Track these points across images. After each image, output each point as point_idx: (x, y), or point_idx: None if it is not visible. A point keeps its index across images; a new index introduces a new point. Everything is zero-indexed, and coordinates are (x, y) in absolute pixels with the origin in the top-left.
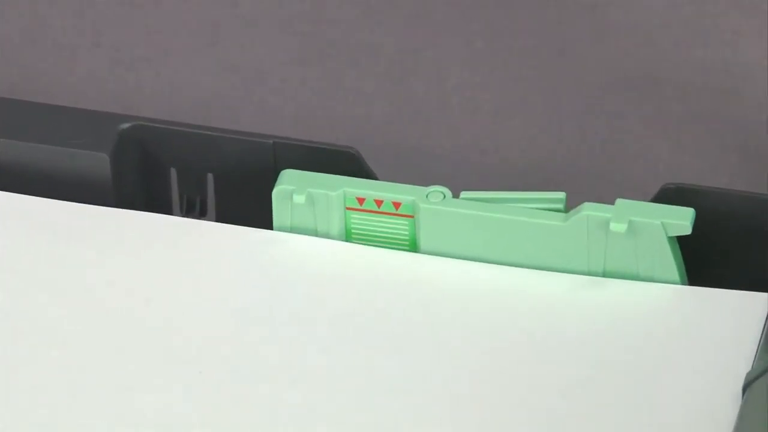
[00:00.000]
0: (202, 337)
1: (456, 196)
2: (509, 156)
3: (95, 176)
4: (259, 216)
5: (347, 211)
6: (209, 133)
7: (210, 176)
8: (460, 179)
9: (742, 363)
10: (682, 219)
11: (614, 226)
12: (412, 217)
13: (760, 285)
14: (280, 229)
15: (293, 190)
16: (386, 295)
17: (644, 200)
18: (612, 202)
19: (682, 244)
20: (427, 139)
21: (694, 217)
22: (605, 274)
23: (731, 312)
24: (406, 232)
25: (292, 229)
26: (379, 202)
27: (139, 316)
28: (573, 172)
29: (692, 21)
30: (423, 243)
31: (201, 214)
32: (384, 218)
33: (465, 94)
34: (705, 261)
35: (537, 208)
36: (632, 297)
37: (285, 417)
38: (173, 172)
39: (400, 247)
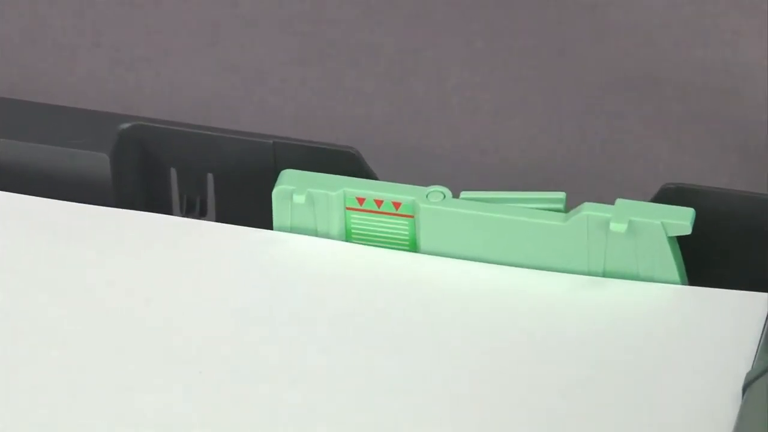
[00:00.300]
0: (202, 337)
1: (456, 196)
2: (509, 156)
3: (95, 176)
4: (259, 216)
5: (347, 211)
6: (209, 133)
7: (210, 176)
8: (460, 179)
9: (742, 363)
10: (682, 219)
11: (614, 226)
12: (412, 217)
13: (760, 285)
14: (280, 229)
15: (293, 190)
16: (386, 295)
17: (644, 200)
18: (612, 202)
19: (682, 244)
20: (427, 139)
21: (694, 217)
22: (605, 274)
23: (731, 312)
24: (406, 232)
25: (292, 229)
26: (379, 202)
27: (139, 316)
28: (573, 172)
29: (692, 21)
30: (423, 243)
31: (201, 214)
32: (384, 218)
33: (465, 94)
34: (705, 261)
35: (537, 208)
36: (632, 297)
37: (285, 417)
38: (173, 172)
39: (400, 247)
